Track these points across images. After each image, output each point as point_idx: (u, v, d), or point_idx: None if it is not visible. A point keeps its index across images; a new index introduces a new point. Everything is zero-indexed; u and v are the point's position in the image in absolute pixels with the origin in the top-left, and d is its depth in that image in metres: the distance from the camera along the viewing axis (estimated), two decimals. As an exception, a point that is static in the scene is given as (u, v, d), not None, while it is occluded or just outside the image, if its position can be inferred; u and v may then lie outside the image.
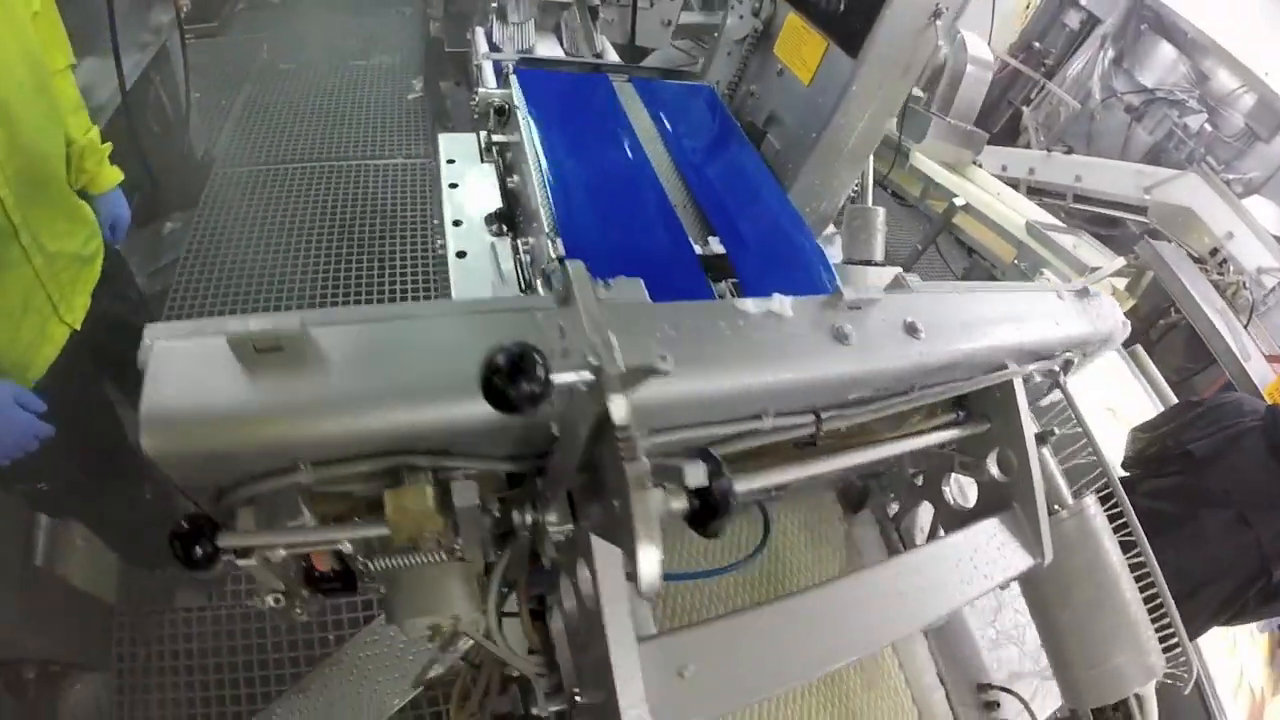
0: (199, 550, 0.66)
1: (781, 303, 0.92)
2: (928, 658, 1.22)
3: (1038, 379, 1.17)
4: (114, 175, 1.80)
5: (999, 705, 1.37)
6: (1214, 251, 3.61)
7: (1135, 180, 3.76)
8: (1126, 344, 3.36)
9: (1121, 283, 3.08)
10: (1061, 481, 1.21)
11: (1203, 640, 2.44)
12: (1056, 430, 1.25)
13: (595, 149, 1.45)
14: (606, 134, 1.51)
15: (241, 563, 0.69)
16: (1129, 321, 1.44)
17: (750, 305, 0.91)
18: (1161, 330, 3.67)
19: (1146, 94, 4.34)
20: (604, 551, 0.68)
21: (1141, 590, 1.15)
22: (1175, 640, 1.14)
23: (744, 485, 0.90)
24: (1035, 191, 3.97)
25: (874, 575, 0.97)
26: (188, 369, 0.63)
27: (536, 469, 0.79)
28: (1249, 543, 1.87)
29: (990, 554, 1.04)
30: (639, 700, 0.69)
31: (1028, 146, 4.39)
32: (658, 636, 0.79)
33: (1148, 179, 3.73)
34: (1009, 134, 4.79)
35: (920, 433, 1.09)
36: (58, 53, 1.61)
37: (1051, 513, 1.12)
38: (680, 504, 0.63)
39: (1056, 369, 1.16)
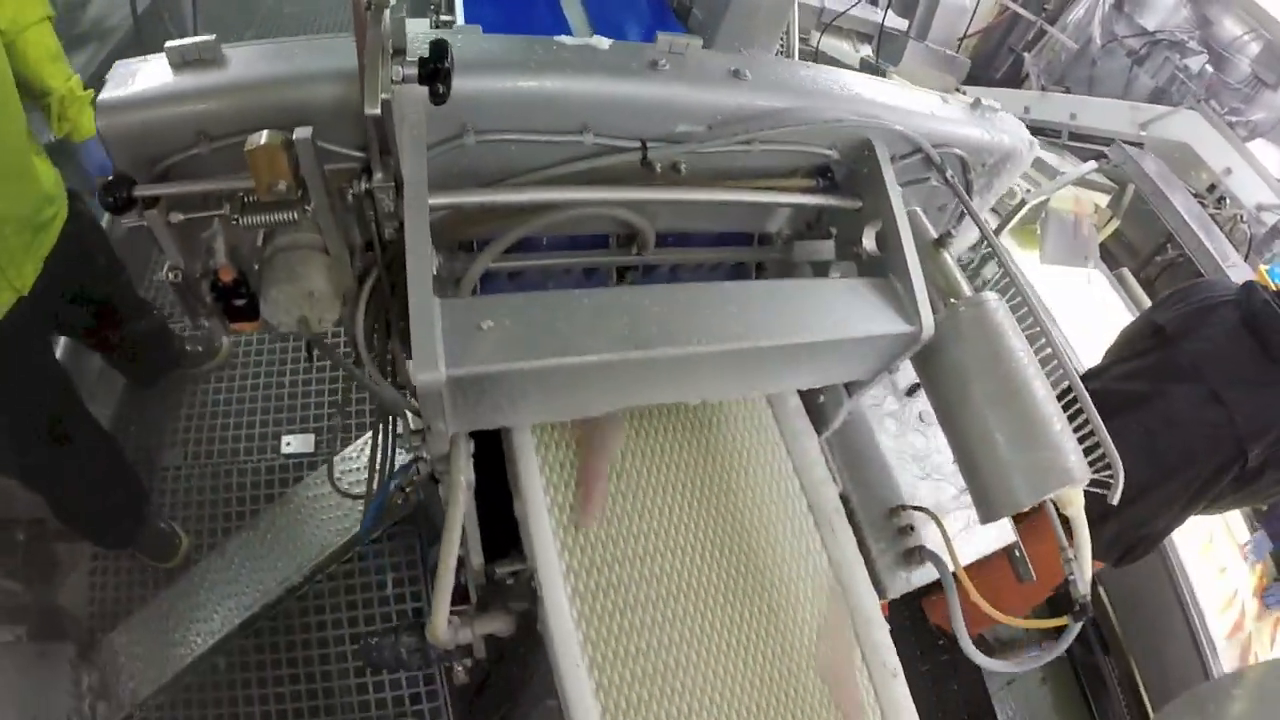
0: (118, 195, 0.82)
1: (599, 40, 1.00)
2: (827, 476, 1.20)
3: (908, 159, 1.15)
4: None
5: (913, 529, 1.34)
6: (1211, 188, 3.51)
7: (1131, 117, 3.65)
8: (1112, 265, 3.29)
9: (1103, 199, 3.00)
10: (962, 280, 1.19)
11: (1190, 562, 2.36)
12: (954, 232, 1.24)
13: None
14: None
15: (147, 213, 0.85)
16: (1036, 141, 1.43)
17: (566, 39, 0.99)
18: (1159, 267, 3.58)
19: (1148, 37, 4.22)
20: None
21: (1061, 400, 1.05)
22: (1099, 448, 1.05)
23: (587, 194, 0.99)
24: (1032, 131, 3.88)
25: (724, 288, 0.96)
26: (135, 75, 0.85)
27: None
28: (1222, 422, 1.74)
29: (864, 311, 1.01)
30: (434, 348, 0.77)
31: (1029, 91, 4.32)
32: (460, 299, 0.83)
33: (1144, 115, 3.62)
34: (1011, 81, 4.71)
35: (783, 189, 1.10)
36: (32, 7, 1.57)
37: (947, 304, 1.12)
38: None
39: (932, 153, 1.15)
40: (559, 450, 1.06)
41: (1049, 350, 1.18)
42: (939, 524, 1.26)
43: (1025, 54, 4.49)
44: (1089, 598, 1.04)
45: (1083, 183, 2.98)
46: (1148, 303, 2.96)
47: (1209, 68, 4.05)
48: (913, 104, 1.18)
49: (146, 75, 0.84)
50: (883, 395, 1.49)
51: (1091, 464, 1.03)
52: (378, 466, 1.32)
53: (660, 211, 1.13)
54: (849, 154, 1.13)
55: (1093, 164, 2.88)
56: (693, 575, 1.05)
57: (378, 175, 0.89)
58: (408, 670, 1.19)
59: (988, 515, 1.04)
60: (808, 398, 1.23)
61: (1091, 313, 2.86)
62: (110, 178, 0.82)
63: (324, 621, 2.00)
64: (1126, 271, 3.14)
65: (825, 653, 1.06)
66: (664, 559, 1.04)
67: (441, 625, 0.91)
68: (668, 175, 1.05)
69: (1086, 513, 1.05)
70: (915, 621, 2.48)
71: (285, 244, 0.95)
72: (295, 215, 0.89)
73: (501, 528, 1.08)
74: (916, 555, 1.31)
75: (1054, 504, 1.03)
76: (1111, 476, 1.06)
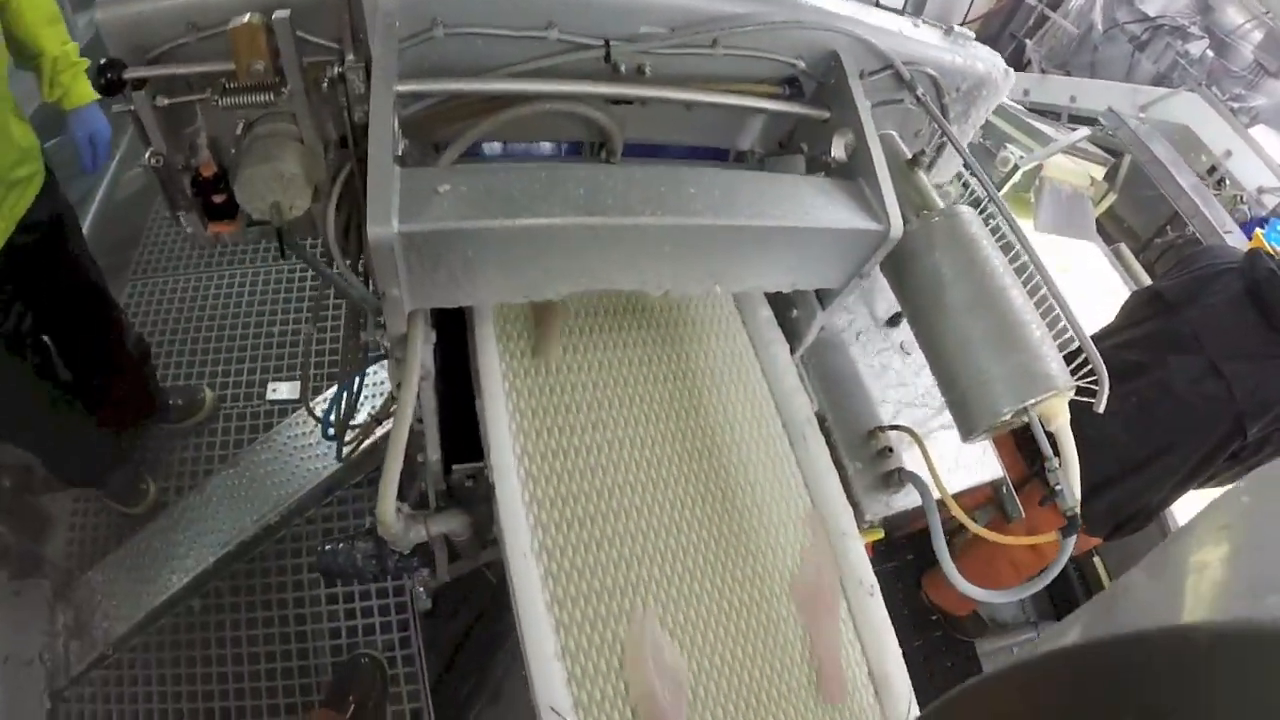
0: (110, 76, 0.87)
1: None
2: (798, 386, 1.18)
3: (877, 75, 1.14)
4: (90, 90, 1.69)
5: (891, 451, 1.32)
6: (1211, 170, 3.49)
7: (1131, 99, 3.64)
8: (1109, 241, 3.27)
9: (1099, 171, 2.98)
10: (936, 196, 1.18)
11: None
12: (925, 152, 1.24)
13: None
14: None
15: (135, 95, 0.90)
16: (1011, 70, 1.42)
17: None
18: (1159, 250, 3.55)
19: (1149, 23, 4.21)
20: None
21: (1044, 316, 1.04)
22: (1082, 356, 1.03)
23: (553, 86, 0.97)
24: (1032, 113, 3.88)
25: (685, 170, 0.94)
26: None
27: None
28: (1221, 394, 1.68)
29: (829, 206, 0.99)
30: (389, 204, 0.78)
31: (1029, 80, 4.30)
32: (421, 169, 0.83)
33: (1144, 97, 3.61)
34: (1013, 67, 4.70)
35: (748, 93, 1.09)
36: None
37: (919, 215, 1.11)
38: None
39: (901, 69, 1.14)
40: (520, 345, 1.06)
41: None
42: (920, 443, 1.24)
43: (1027, 40, 4.48)
44: (1077, 510, 1.03)
45: (1079, 155, 2.96)
46: (1146, 279, 2.94)
47: (1210, 53, 4.04)
48: (882, 21, 1.17)
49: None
50: (863, 325, 1.47)
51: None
52: (349, 385, 1.31)
53: (628, 117, 1.12)
54: (816, 66, 1.13)
55: (1086, 130, 2.86)
56: (658, 487, 1.04)
57: (349, 57, 0.92)
58: (363, 580, 1.17)
59: (969, 427, 1.03)
60: (781, 314, 1.23)
61: (1085, 285, 2.83)
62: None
63: (300, 565, 1.99)
64: (1124, 247, 3.12)
65: (801, 576, 1.04)
66: (628, 470, 1.03)
67: (389, 510, 0.90)
68: (633, 78, 1.05)
69: (1081, 485, 1.03)
70: (908, 597, 2.47)
71: (263, 132, 0.98)
72: (272, 97, 0.93)
73: (465, 439, 1.07)
74: (896, 478, 1.29)
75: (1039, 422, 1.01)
76: (1096, 383, 1.05)
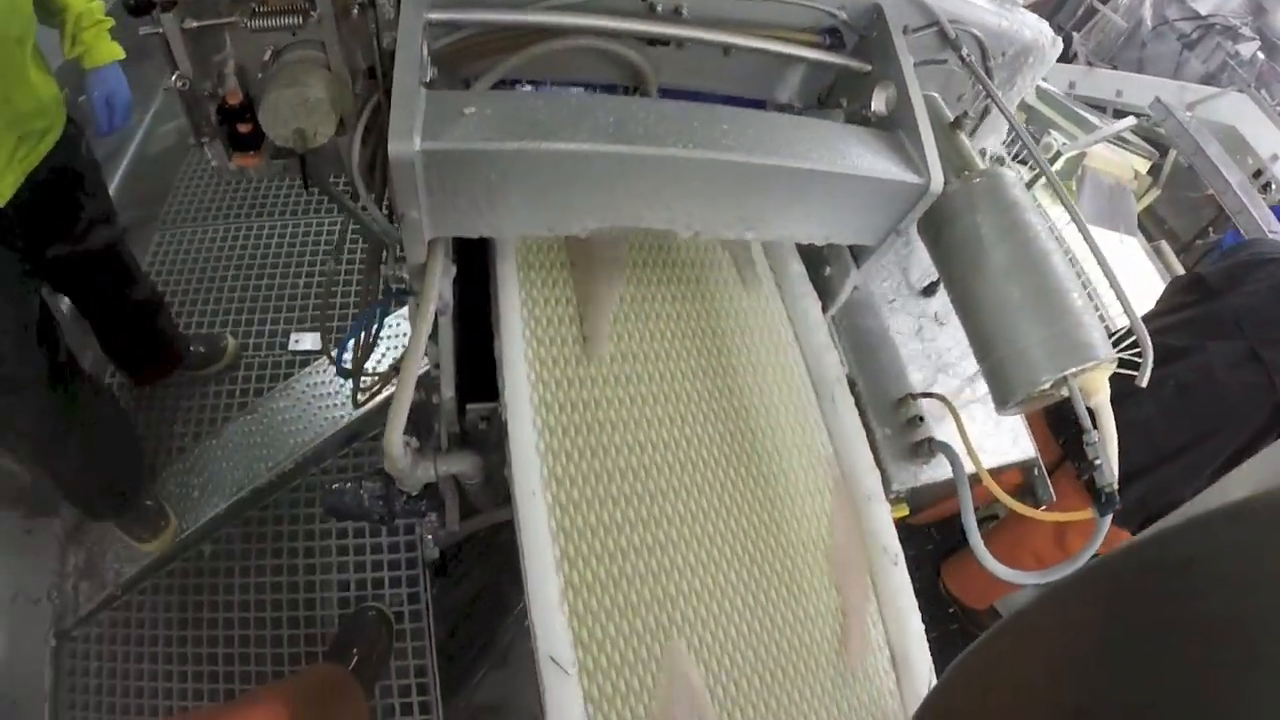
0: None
1: None
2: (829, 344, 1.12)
3: (920, 32, 1.10)
4: (112, 50, 1.66)
5: (922, 420, 1.28)
6: (1258, 173, 3.39)
7: (1178, 96, 3.54)
8: (1150, 239, 3.18)
9: (1143, 165, 2.89)
10: (977, 157, 1.14)
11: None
12: (969, 115, 1.19)
13: None
14: None
15: (163, 16, 0.89)
16: (1059, 39, 1.36)
17: None
18: (1199, 252, 3.46)
19: (1200, 21, 4.09)
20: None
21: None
22: (1130, 333, 0.97)
23: (587, 20, 0.95)
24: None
25: (720, 108, 0.90)
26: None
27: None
28: (1261, 383, 1.65)
29: (868, 155, 0.95)
30: (411, 122, 0.76)
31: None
32: (445, 90, 0.81)
33: (1191, 95, 3.51)
34: (1060, 60, 4.60)
35: (787, 40, 1.05)
36: None
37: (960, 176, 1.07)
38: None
39: (946, 26, 1.09)
40: (543, 287, 1.03)
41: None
42: (953, 412, 1.20)
43: (1074, 33, 4.37)
44: (1115, 485, 0.98)
45: (1123, 146, 2.88)
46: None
47: (1261, 56, 3.92)
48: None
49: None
50: (897, 291, 1.43)
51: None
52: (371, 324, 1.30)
53: (663, 61, 1.09)
54: (858, 18, 1.09)
55: (1132, 119, 2.78)
56: (680, 446, 0.99)
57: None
58: (370, 521, 1.15)
59: (1004, 397, 0.98)
60: (813, 272, 1.19)
61: (1125, 281, 2.76)
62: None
63: (313, 515, 1.99)
64: (1165, 245, 3.04)
65: (834, 544, 1.00)
66: (649, 426, 0.99)
67: (396, 442, 0.88)
68: (670, 18, 1.02)
69: None
70: (925, 588, 2.42)
71: (290, 59, 0.97)
72: (300, 21, 0.92)
73: (482, 381, 1.05)
74: (926, 448, 1.24)
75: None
76: (1137, 357, 1.00)
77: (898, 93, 1.03)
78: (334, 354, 1.35)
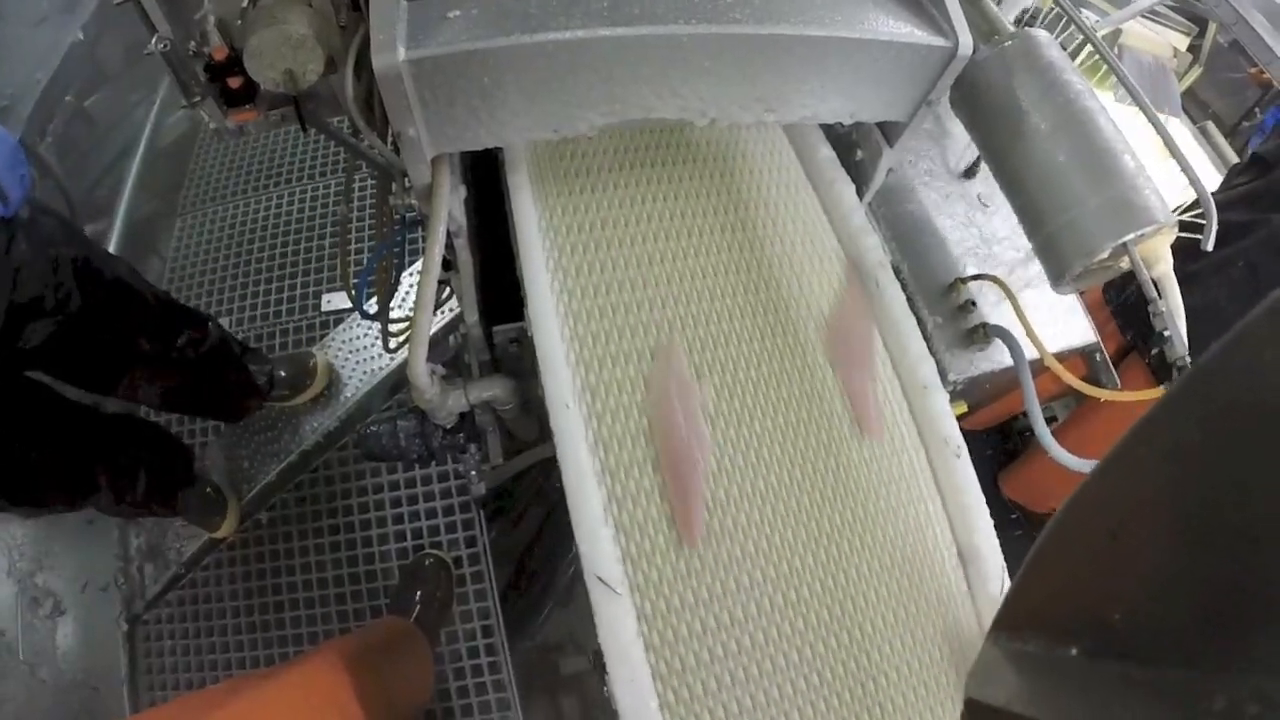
0: None
1: None
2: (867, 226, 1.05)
3: None
4: None
5: (974, 305, 1.20)
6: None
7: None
8: (1194, 120, 2.98)
9: (1182, 41, 2.69)
10: (1005, 19, 1.05)
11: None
12: None
13: None
14: None
15: None
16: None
17: None
18: (1246, 135, 3.23)
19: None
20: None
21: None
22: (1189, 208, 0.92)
23: None
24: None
25: None
26: None
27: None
28: None
29: (887, 18, 0.87)
30: (393, 31, 0.71)
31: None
32: None
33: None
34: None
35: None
36: None
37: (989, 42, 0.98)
38: None
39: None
40: (559, 193, 0.99)
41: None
42: (1009, 293, 1.13)
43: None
44: (1188, 358, 0.92)
45: (1159, 21, 2.67)
46: (1235, 158, 2.67)
47: None
48: None
49: None
50: (937, 175, 1.36)
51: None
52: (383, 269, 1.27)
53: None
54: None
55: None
56: (714, 333, 0.95)
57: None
58: (407, 459, 1.14)
59: (1059, 270, 0.92)
60: (844, 159, 1.12)
61: (1171, 165, 2.60)
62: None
63: (363, 471, 2.00)
64: (1212, 125, 2.83)
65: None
66: (683, 311, 0.95)
67: (420, 371, 0.85)
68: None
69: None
70: (985, 493, 2.37)
71: (268, 1, 0.92)
72: None
73: (510, 305, 1.02)
74: (980, 333, 1.18)
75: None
76: (1202, 217, 0.92)
77: (914, -47, 0.95)
78: (357, 298, 1.32)
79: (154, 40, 0.95)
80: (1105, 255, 0.89)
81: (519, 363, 1.07)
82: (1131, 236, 0.86)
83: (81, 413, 1.61)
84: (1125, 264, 0.91)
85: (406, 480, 1.99)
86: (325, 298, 2.29)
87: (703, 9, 0.78)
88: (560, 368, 0.85)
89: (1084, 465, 1.05)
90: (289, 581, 1.93)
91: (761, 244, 1.01)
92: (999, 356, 1.16)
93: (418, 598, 1.76)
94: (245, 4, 0.94)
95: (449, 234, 0.93)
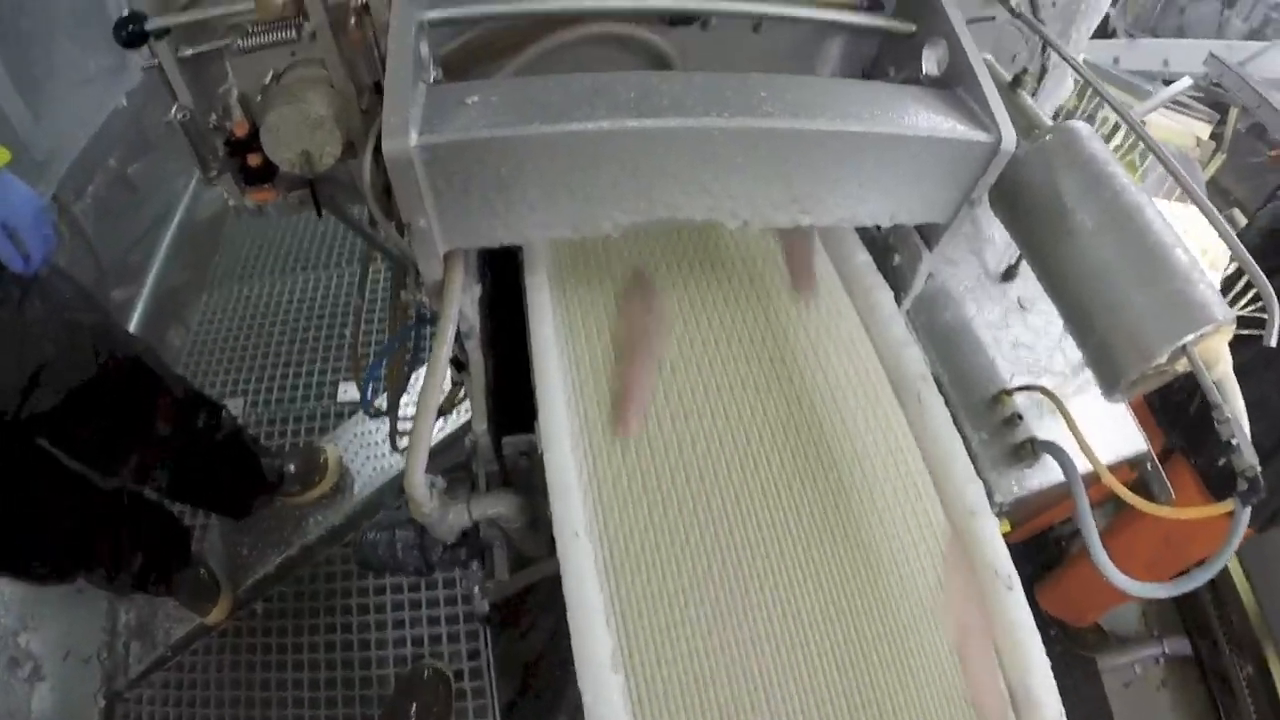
0: (132, 27, 0.83)
1: None
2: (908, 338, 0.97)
3: None
4: None
5: (1021, 419, 1.12)
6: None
7: (1226, 56, 3.33)
8: (1221, 208, 2.94)
9: (1204, 130, 2.69)
10: (1043, 115, 1.01)
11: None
12: (1029, 72, 1.08)
13: None
14: None
15: (157, 45, 0.87)
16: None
17: None
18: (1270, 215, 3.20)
19: (1236, -23, 3.88)
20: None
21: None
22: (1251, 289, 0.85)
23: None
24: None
25: (753, 76, 0.79)
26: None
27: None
28: None
29: (927, 113, 0.84)
30: (405, 113, 0.68)
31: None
32: (450, 84, 0.73)
33: (1240, 53, 3.29)
34: (1099, 35, 4.41)
35: (825, 5, 0.94)
36: None
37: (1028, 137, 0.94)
38: None
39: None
40: (581, 298, 0.93)
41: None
42: (1059, 404, 1.05)
43: (1110, 8, 4.18)
44: (1258, 467, 0.83)
45: (1181, 111, 2.68)
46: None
47: None
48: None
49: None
50: (975, 280, 1.30)
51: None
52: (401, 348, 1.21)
53: (688, 45, 1.00)
54: (897, -24, 0.98)
55: (1188, 80, 2.59)
56: (743, 454, 0.86)
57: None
58: (405, 572, 1.04)
59: (1113, 377, 0.84)
60: (881, 263, 1.06)
61: (1197, 254, 2.55)
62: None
63: (366, 572, 1.91)
64: (1237, 213, 2.80)
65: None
66: (709, 425, 0.87)
67: (418, 484, 0.78)
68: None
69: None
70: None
71: (290, 79, 0.92)
72: (295, 34, 0.88)
73: (524, 415, 0.94)
74: (1028, 449, 1.09)
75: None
76: (1264, 312, 0.85)
77: (950, 49, 0.92)
78: (363, 394, 1.26)
79: (174, 110, 0.95)
80: (1163, 359, 0.81)
81: (529, 478, 0.98)
82: (1191, 337, 0.79)
83: (83, 485, 1.55)
84: (1181, 366, 0.83)
85: (411, 585, 1.91)
86: (342, 387, 2.27)
87: (735, 103, 0.74)
88: (571, 491, 0.76)
89: (1147, 589, 0.95)
90: (278, 678, 1.83)
91: (793, 360, 0.94)
92: (1048, 473, 1.08)
93: (413, 711, 1.64)
94: (268, 80, 0.94)
95: (460, 334, 0.88)
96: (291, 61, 0.93)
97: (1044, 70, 1.32)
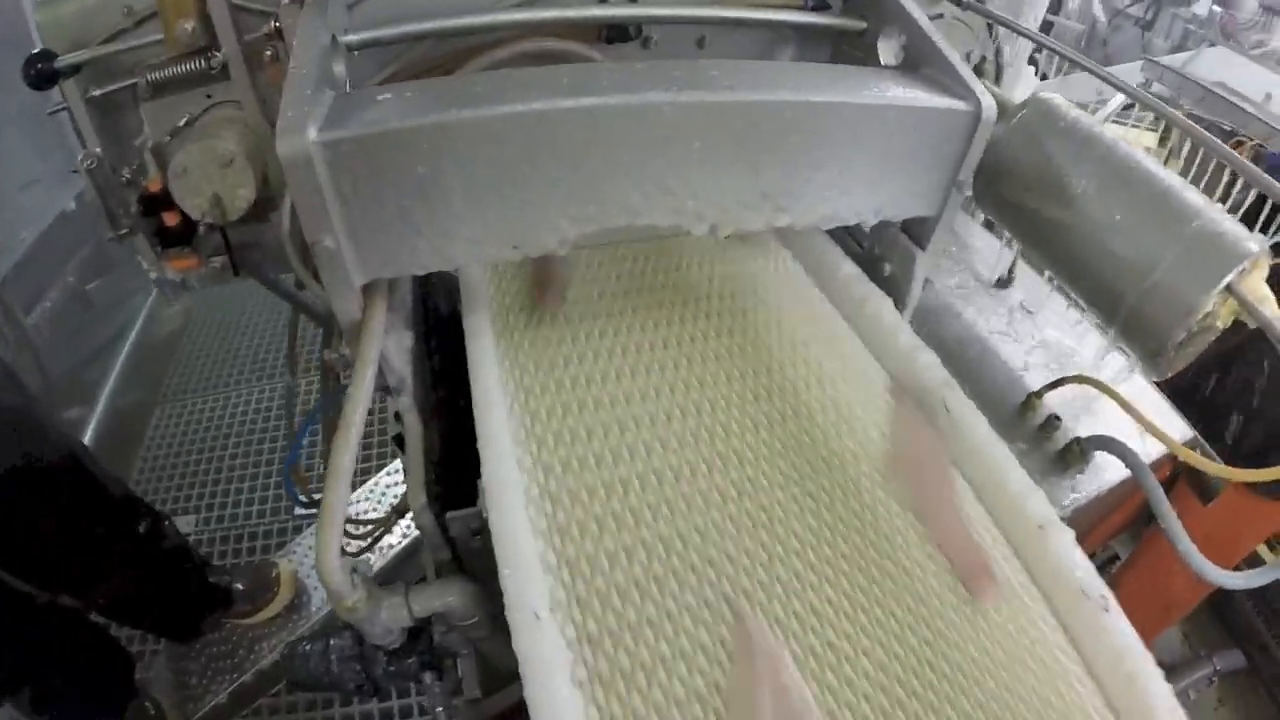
0: (39, 67, 0.82)
1: None
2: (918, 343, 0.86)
3: None
4: None
5: (1058, 420, 1.02)
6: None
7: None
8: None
9: (1151, 138, 2.71)
10: (1010, 97, 0.95)
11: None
12: (988, 60, 1.03)
13: None
14: None
15: (65, 84, 0.86)
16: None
17: None
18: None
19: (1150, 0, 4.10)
20: None
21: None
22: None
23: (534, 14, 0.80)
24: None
25: (700, 61, 0.72)
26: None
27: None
28: None
29: (897, 87, 0.76)
30: (303, 109, 0.58)
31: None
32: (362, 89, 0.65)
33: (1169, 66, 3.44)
34: (1030, 80, 4.60)
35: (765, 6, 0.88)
36: None
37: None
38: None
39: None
40: (530, 343, 0.81)
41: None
42: (1103, 388, 0.95)
43: (1036, 54, 4.37)
44: None
45: (1127, 123, 2.73)
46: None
47: (1216, 8, 3.88)
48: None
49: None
50: (971, 291, 1.23)
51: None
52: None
53: (630, 61, 0.93)
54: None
55: (1129, 85, 2.63)
56: (751, 510, 0.71)
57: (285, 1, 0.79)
58: (344, 690, 0.84)
59: (1158, 345, 0.74)
60: (872, 276, 0.96)
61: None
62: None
63: (330, 699, 1.69)
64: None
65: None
66: (703, 485, 0.72)
67: (331, 566, 0.60)
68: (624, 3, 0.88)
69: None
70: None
71: (204, 120, 0.90)
72: (205, 63, 0.86)
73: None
74: (1075, 451, 0.98)
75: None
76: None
77: (908, 34, 0.85)
78: (286, 484, 1.10)
79: (80, 157, 0.90)
80: (1209, 307, 0.71)
81: (486, 560, 0.79)
82: (1233, 275, 0.69)
83: (15, 600, 1.37)
84: (1226, 314, 0.72)
85: (382, 711, 1.66)
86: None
87: (684, 80, 0.65)
88: (528, 564, 0.60)
89: (1238, 579, 0.86)
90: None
91: (786, 389, 0.82)
92: (1105, 474, 0.97)
93: None
94: (181, 123, 0.91)
95: (389, 390, 0.75)
96: (207, 104, 0.90)
97: (1000, 68, 1.29)
